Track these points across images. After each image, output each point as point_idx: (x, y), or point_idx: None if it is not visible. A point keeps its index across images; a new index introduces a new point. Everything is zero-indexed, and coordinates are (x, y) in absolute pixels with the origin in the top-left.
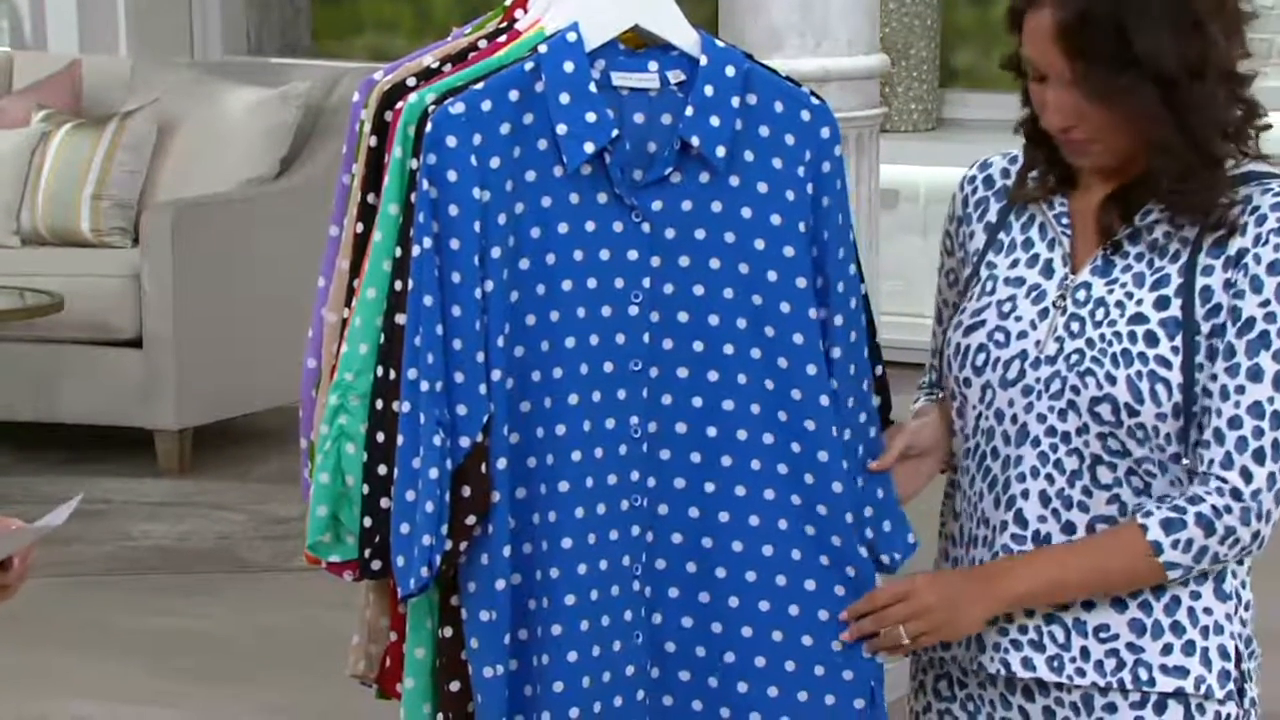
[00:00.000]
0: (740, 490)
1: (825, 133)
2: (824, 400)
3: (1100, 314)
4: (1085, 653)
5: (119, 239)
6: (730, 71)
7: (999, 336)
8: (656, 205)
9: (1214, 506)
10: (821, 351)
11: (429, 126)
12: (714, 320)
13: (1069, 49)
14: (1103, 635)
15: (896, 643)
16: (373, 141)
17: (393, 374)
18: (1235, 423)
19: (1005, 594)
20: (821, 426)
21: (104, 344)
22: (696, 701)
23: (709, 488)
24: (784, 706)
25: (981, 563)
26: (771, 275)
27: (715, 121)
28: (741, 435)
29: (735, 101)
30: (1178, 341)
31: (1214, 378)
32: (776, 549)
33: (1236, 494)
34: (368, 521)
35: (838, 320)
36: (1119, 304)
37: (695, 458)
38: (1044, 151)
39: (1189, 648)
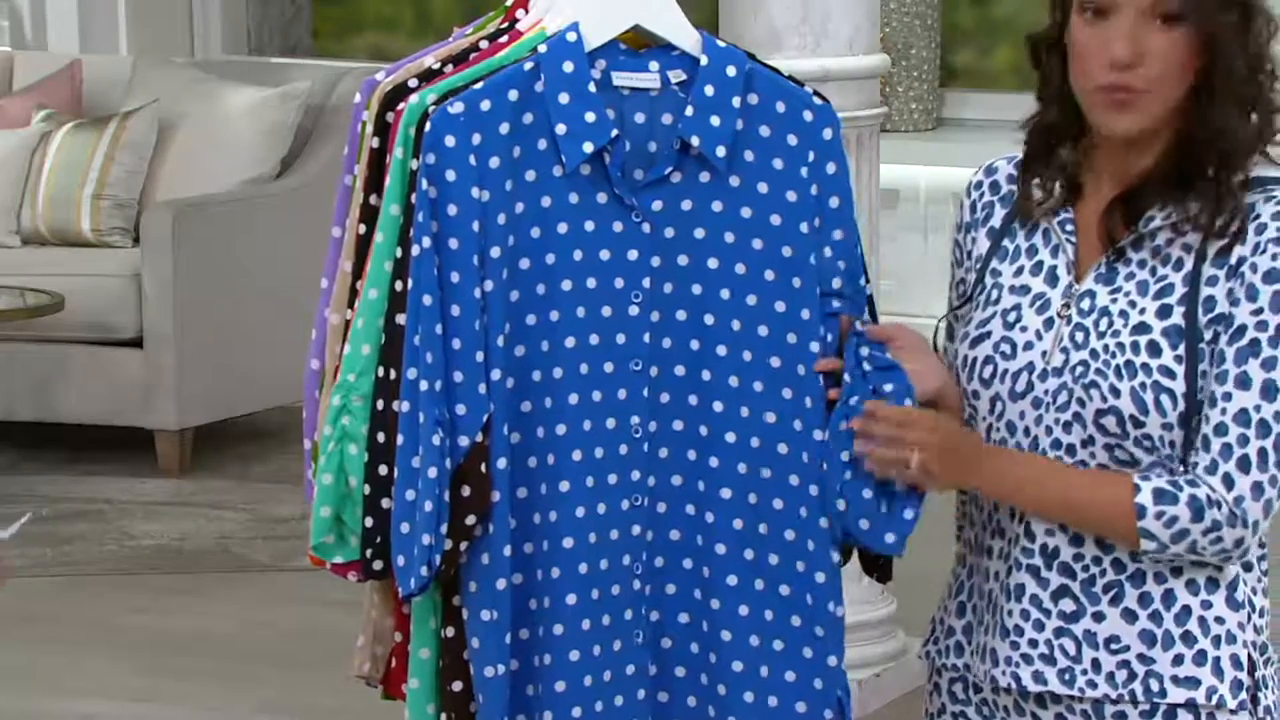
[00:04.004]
0: (726, 493)
1: (828, 134)
2: (809, 402)
3: (1104, 324)
4: (1096, 665)
5: (119, 239)
6: (731, 71)
7: (1005, 348)
8: (656, 205)
9: (1209, 496)
10: (815, 353)
11: (428, 126)
12: (709, 320)
13: None
14: (1114, 647)
15: (904, 463)
16: (374, 143)
17: (393, 374)
18: (1221, 429)
19: (987, 484)
20: (807, 428)
21: (104, 344)
22: (691, 698)
23: (700, 486)
24: (759, 711)
25: (999, 576)
26: (769, 275)
27: (716, 121)
28: (730, 438)
29: (736, 101)
30: (1181, 350)
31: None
32: (756, 553)
33: (1222, 499)
34: (369, 522)
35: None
36: (1122, 313)
37: (691, 455)
38: (1045, 157)
39: (1200, 658)
